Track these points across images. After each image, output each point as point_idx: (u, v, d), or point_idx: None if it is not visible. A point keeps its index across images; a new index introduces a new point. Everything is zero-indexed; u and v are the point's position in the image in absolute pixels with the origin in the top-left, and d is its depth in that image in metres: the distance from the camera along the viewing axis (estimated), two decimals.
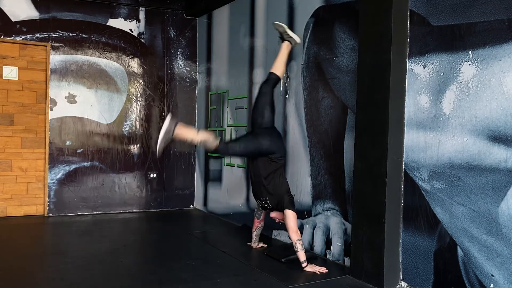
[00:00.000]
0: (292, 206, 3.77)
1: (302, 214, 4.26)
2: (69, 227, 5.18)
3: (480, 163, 2.79)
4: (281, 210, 3.85)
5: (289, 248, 4.14)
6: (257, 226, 4.30)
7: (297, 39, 4.02)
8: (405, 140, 3.28)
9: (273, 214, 4.00)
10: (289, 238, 3.87)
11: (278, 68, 4.03)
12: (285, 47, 4.04)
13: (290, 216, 3.72)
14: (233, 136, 5.44)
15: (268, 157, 3.85)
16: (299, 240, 3.63)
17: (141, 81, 6.27)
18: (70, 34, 5.84)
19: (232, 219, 5.61)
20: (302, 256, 3.62)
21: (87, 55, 5.94)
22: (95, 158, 6.01)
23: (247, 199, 5.31)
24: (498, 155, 2.69)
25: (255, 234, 4.33)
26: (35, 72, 5.71)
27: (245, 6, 5.43)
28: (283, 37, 4.05)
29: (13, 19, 5.55)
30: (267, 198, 3.89)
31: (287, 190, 3.85)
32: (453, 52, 2.97)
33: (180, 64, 6.52)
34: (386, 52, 3.24)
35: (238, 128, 5.50)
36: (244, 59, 5.41)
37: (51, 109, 5.76)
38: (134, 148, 6.24)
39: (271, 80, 4.04)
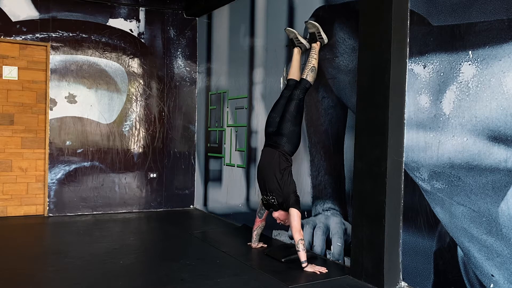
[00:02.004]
0: (297, 205, 3.76)
1: (302, 214, 4.25)
2: (69, 227, 5.18)
3: (480, 163, 2.79)
4: (286, 209, 3.85)
5: (289, 248, 4.14)
6: (258, 225, 4.30)
7: (326, 39, 4.04)
8: (405, 140, 3.28)
9: (276, 214, 3.97)
10: (290, 238, 3.88)
11: (304, 71, 4.04)
12: (317, 47, 4.05)
13: (295, 215, 3.71)
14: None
15: (285, 152, 3.89)
16: (301, 240, 3.63)
17: (141, 81, 6.27)
18: (70, 34, 5.84)
19: (232, 219, 5.61)
20: (303, 256, 3.62)
21: (87, 55, 5.94)
22: (95, 158, 6.01)
23: (247, 199, 5.31)
24: (498, 155, 2.69)
25: (255, 233, 4.33)
26: (35, 72, 5.71)
27: (245, 6, 5.43)
28: (315, 38, 4.05)
29: (13, 19, 5.56)
30: (274, 194, 3.87)
31: (294, 190, 3.84)
32: (453, 52, 2.97)
33: (180, 64, 6.52)
34: (386, 52, 3.24)
35: (238, 128, 5.50)
36: (244, 59, 5.41)
37: (51, 109, 5.76)
38: (134, 148, 6.24)
39: (291, 86, 4.12)
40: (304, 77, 4.00)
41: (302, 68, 4.19)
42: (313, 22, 4.02)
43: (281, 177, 3.84)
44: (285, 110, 3.97)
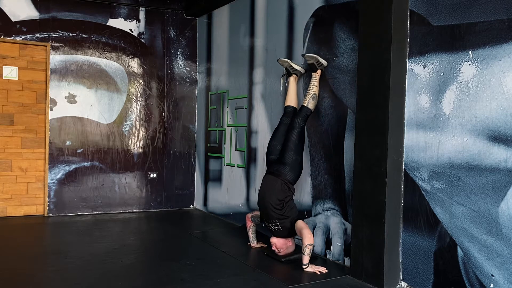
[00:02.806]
0: (300, 218, 3.83)
1: (302, 214, 4.26)
2: (69, 227, 5.18)
3: (480, 163, 2.79)
4: (291, 229, 3.83)
5: None
6: (251, 224, 4.33)
7: (325, 63, 4.04)
8: (405, 140, 3.28)
9: (274, 240, 3.92)
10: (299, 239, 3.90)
11: (305, 99, 4.01)
12: (318, 75, 4.03)
13: (302, 225, 3.71)
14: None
15: (288, 181, 3.89)
16: (310, 244, 3.60)
17: (141, 81, 6.27)
18: (70, 34, 5.84)
19: (232, 219, 5.61)
20: (306, 260, 3.61)
21: (87, 55, 5.94)
22: (95, 158, 6.01)
23: (247, 199, 5.32)
24: (498, 155, 2.69)
25: (251, 232, 4.34)
26: (35, 72, 5.71)
27: (245, 6, 5.43)
28: (315, 67, 4.04)
29: (13, 19, 5.55)
30: (278, 222, 3.85)
31: (296, 214, 3.88)
32: (453, 52, 2.97)
33: (180, 64, 6.52)
34: (386, 52, 3.24)
35: (238, 128, 5.50)
36: (244, 59, 5.41)
37: (51, 109, 5.76)
38: (134, 148, 6.24)
39: (290, 113, 4.15)
40: (305, 105, 3.99)
41: (304, 84, 4.19)
42: (310, 54, 4.01)
43: (283, 205, 3.85)
44: (287, 139, 3.97)
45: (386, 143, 3.22)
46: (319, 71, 4.03)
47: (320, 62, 4.00)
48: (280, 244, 3.91)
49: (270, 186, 3.91)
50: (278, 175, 3.91)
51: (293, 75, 4.29)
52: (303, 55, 4.15)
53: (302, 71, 4.26)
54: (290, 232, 3.87)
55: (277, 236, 3.92)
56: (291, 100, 4.23)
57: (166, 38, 6.41)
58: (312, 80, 4.03)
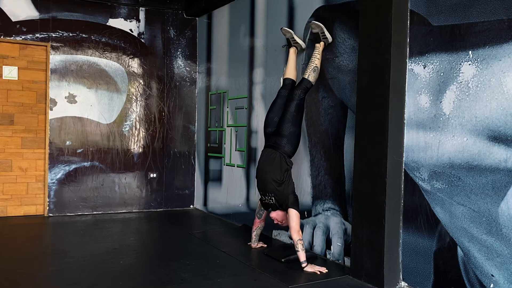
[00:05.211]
0: (296, 206, 3.76)
1: (302, 214, 4.25)
2: (69, 227, 5.18)
3: (480, 163, 2.79)
4: (284, 209, 3.84)
5: (289, 248, 4.14)
6: (257, 226, 4.30)
7: (330, 38, 4.01)
8: (405, 140, 3.28)
9: (273, 215, 3.95)
10: (290, 238, 3.88)
11: (306, 71, 4.01)
12: (321, 47, 4.02)
13: (294, 216, 3.71)
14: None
15: (286, 153, 3.87)
16: (300, 240, 3.63)
17: (141, 81, 6.27)
18: (70, 34, 5.84)
19: (232, 219, 5.61)
20: (302, 256, 3.62)
21: (87, 55, 5.94)
22: (95, 158, 6.01)
23: (247, 199, 5.31)
24: (498, 155, 2.69)
25: (254, 234, 4.33)
26: (35, 72, 5.71)
27: (245, 6, 5.43)
28: (318, 38, 4.01)
29: (13, 19, 5.56)
30: (273, 195, 3.85)
31: (293, 190, 3.85)
32: (453, 52, 2.97)
33: (180, 64, 6.52)
34: (386, 52, 3.24)
35: (238, 128, 5.50)
36: (244, 59, 5.41)
37: (51, 109, 5.76)
38: (134, 148, 6.24)
39: (288, 85, 4.12)
40: (306, 77, 3.97)
41: (303, 68, 4.19)
42: (317, 22, 3.99)
43: (282, 178, 3.83)
44: (285, 110, 3.96)
45: (386, 143, 3.22)
46: (322, 43, 4.01)
47: (325, 35, 3.97)
48: (280, 217, 3.91)
49: (270, 159, 3.89)
50: (276, 148, 3.90)
51: (293, 46, 4.28)
52: (309, 22, 4.10)
53: (303, 45, 4.23)
54: (281, 208, 3.89)
55: (275, 210, 3.92)
56: (290, 73, 4.20)
57: (166, 38, 6.41)
58: (314, 52, 4.01)
